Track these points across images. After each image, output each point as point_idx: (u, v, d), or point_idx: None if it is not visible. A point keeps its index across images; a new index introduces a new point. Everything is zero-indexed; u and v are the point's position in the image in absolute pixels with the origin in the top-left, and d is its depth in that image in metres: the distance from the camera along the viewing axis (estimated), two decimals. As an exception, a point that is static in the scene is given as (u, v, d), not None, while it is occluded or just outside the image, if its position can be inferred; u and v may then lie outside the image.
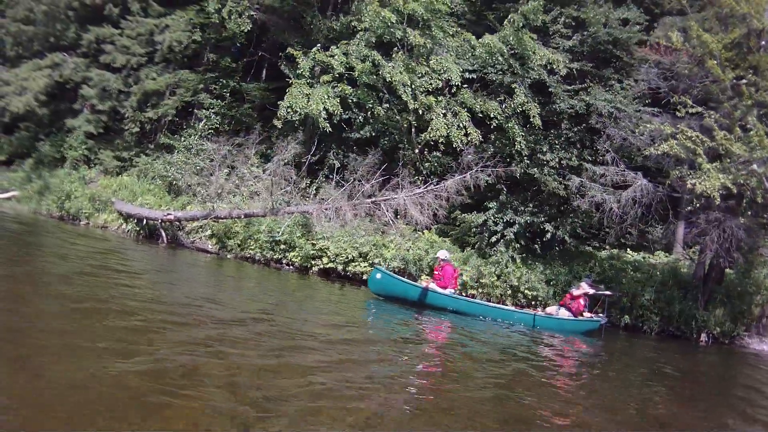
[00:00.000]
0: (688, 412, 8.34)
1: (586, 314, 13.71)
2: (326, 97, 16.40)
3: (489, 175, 15.23)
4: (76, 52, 22.29)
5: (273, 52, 21.73)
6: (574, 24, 16.46)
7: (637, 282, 15.58)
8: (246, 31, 18.95)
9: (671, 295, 15.19)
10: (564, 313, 13.76)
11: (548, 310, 14.18)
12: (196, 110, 21.28)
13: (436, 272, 13.95)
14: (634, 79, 15.73)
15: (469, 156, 15.47)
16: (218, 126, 20.67)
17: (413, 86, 16.41)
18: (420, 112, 16.48)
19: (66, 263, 11.83)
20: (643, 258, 17.17)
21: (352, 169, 16.73)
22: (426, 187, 15.18)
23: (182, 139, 20.57)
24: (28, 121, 23.23)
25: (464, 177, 14.75)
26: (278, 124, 16.78)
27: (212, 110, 20.96)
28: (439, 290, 13.47)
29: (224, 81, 21.28)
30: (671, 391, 9.56)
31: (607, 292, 14.20)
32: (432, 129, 16.14)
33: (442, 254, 14.02)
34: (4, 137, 24.16)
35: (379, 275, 13.61)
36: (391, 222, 14.93)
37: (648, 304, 15.10)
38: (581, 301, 13.73)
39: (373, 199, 15.05)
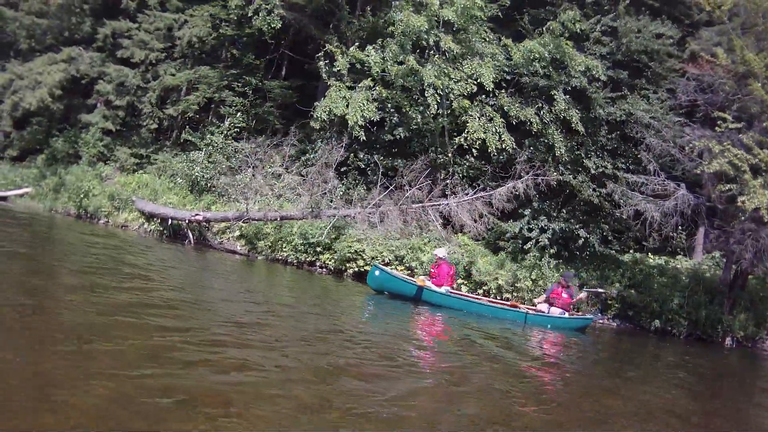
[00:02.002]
0: (706, 409, 8.78)
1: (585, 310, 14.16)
2: (364, 103, 16.38)
3: (538, 183, 15.45)
4: (91, 46, 21.89)
5: (294, 50, 21.57)
6: (609, 32, 16.76)
7: (664, 287, 16.04)
8: (277, 28, 18.69)
9: (698, 300, 15.63)
10: (555, 311, 13.96)
11: (538, 307, 14.32)
12: (220, 107, 20.99)
13: (432, 270, 14.10)
14: (667, 89, 16.12)
15: (518, 164, 15.65)
16: (243, 124, 20.44)
17: (447, 90, 16.51)
18: (457, 113, 16.57)
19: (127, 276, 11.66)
20: (665, 262, 17.67)
21: (399, 174, 16.61)
22: (475, 193, 15.33)
23: (206, 137, 20.31)
24: (40, 116, 22.73)
25: (515, 184, 14.93)
26: (315, 125, 16.71)
27: (235, 107, 20.70)
28: (434, 288, 13.64)
29: (246, 78, 20.95)
30: (694, 390, 9.94)
31: (600, 290, 14.63)
32: (469, 132, 16.27)
33: (440, 252, 14.13)
34: (15, 132, 23.59)
35: (377, 272, 13.88)
36: (438, 228, 15.04)
37: (676, 309, 15.57)
38: (564, 295, 13.97)
39: (422, 204, 15.14)
